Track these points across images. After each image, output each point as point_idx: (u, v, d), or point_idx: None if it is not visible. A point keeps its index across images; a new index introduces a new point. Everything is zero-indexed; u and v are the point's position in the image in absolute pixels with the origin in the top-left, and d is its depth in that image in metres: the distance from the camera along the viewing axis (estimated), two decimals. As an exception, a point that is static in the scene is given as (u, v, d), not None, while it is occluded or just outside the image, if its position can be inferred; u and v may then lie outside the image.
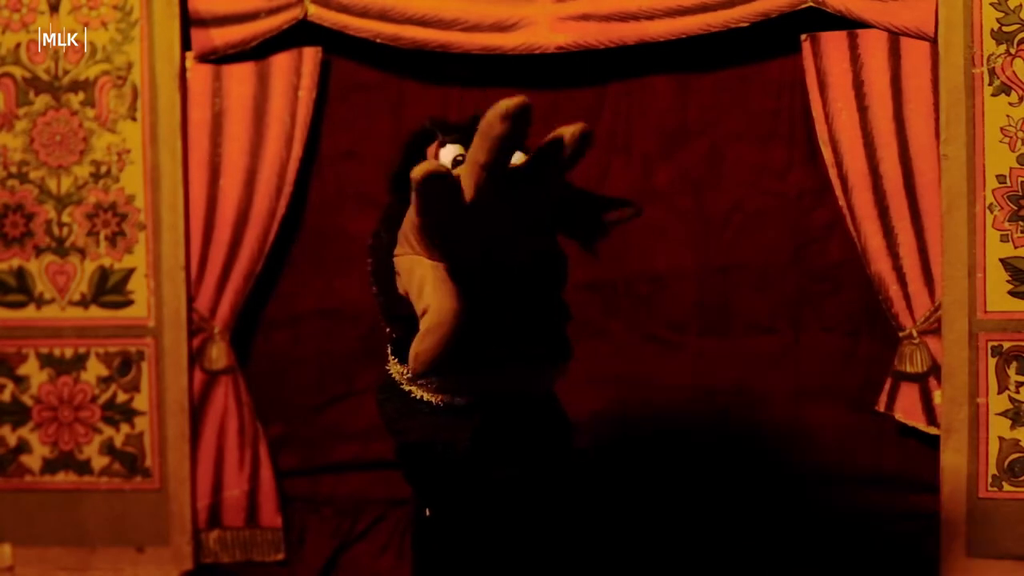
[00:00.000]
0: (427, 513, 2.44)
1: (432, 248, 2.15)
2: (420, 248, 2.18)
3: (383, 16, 3.26)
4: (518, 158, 2.20)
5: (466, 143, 2.23)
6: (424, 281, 2.16)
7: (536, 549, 2.41)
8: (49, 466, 3.45)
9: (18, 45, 3.38)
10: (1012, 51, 3.03)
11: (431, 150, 2.32)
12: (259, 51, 3.33)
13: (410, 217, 2.20)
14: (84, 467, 3.44)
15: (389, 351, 2.41)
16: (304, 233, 3.44)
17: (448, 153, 2.29)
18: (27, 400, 3.45)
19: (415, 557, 2.51)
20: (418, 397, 2.34)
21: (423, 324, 2.13)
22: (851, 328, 3.29)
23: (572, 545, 2.49)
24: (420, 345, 2.12)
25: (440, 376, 2.29)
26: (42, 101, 3.39)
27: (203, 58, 3.35)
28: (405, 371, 2.34)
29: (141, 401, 3.42)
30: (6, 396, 3.45)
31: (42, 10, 3.36)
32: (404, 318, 2.27)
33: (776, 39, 3.19)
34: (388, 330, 2.41)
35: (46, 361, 3.44)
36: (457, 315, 2.10)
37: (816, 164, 3.25)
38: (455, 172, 2.06)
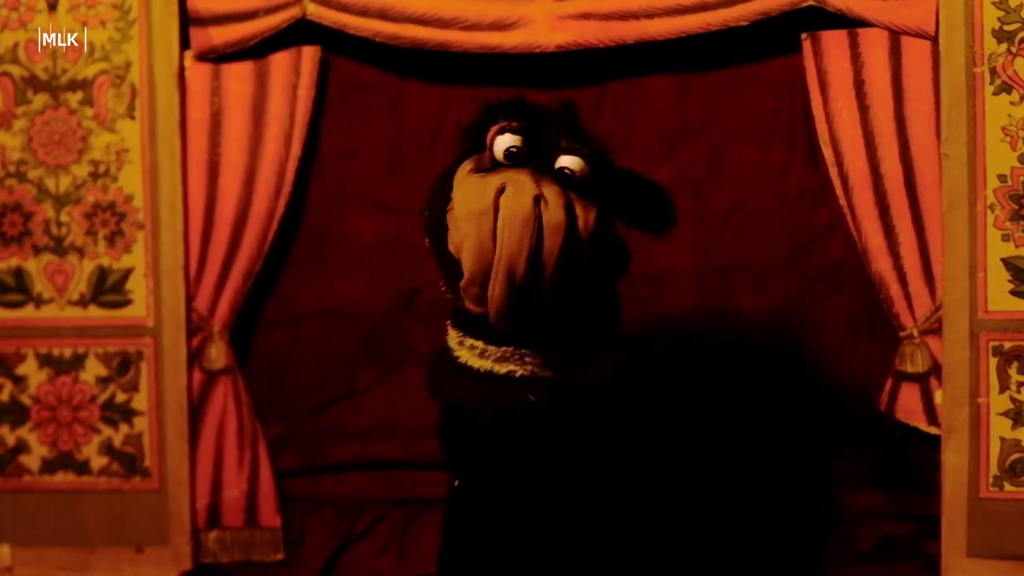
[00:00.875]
0: (455, 483, 2.45)
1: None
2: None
3: (382, 15, 3.25)
4: (572, 161, 2.25)
5: (527, 135, 2.26)
6: (465, 237, 2.19)
7: (557, 531, 2.42)
8: (48, 466, 3.44)
9: (16, 44, 3.37)
10: (1013, 50, 3.02)
11: (491, 131, 2.30)
12: (258, 50, 3.33)
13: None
14: (83, 467, 3.43)
15: (449, 315, 2.46)
16: (304, 233, 3.44)
17: (503, 143, 2.27)
18: (26, 400, 3.44)
19: (444, 525, 2.53)
20: (464, 362, 2.37)
21: (462, 283, 2.21)
22: (851, 328, 3.29)
23: (589, 536, 2.49)
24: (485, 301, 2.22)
25: (485, 341, 2.32)
26: (40, 100, 3.38)
27: (202, 57, 3.34)
28: (459, 336, 2.37)
29: (140, 401, 3.41)
30: (4, 396, 3.45)
31: (40, 9, 3.35)
32: (453, 279, 2.31)
33: (776, 39, 3.18)
34: (443, 289, 2.44)
35: (45, 361, 3.43)
36: (488, 266, 2.16)
37: (816, 164, 3.25)
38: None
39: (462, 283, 2.23)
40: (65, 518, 3.43)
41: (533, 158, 2.27)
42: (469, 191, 2.24)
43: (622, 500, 2.59)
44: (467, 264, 2.21)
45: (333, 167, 3.41)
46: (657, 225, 2.42)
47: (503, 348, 2.31)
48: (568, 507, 2.43)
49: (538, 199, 2.18)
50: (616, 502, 2.56)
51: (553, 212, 2.18)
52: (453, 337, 2.41)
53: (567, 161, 2.26)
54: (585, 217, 2.23)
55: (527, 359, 2.32)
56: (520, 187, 2.19)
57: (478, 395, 2.36)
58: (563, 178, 2.25)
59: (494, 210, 2.17)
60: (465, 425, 2.40)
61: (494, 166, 2.27)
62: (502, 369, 2.33)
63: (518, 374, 2.33)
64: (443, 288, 2.42)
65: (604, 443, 2.49)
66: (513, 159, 2.25)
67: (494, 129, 2.29)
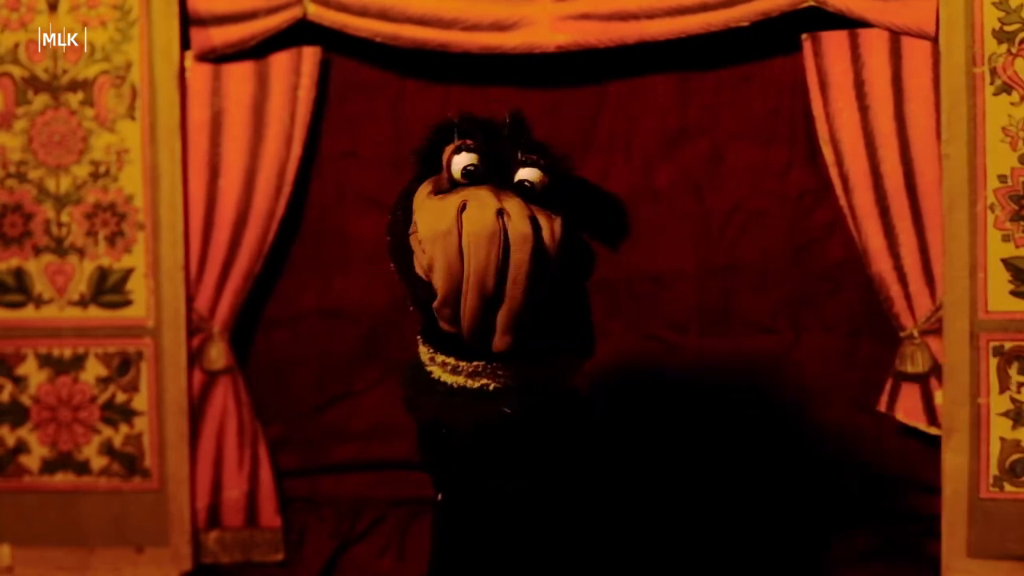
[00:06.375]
0: (439, 497, 2.45)
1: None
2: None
3: (382, 15, 3.25)
4: (530, 173, 2.24)
5: (483, 152, 2.24)
6: (433, 259, 2.17)
7: (541, 541, 2.41)
8: (48, 466, 3.44)
9: (17, 44, 3.37)
10: (1013, 51, 3.02)
11: (447, 151, 2.31)
12: (258, 50, 3.33)
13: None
14: (83, 467, 3.43)
15: (419, 331, 2.44)
16: (304, 233, 3.44)
17: (461, 161, 2.27)
18: (26, 400, 3.44)
19: (431, 540, 2.52)
20: (436, 377, 2.37)
21: (435, 304, 2.19)
22: (852, 328, 3.29)
23: (579, 541, 2.49)
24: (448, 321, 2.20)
25: (457, 358, 2.31)
26: (41, 100, 3.38)
27: (202, 57, 3.34)
28: (430, 352, 2.36)
29: (140, 401, 3.41)
30: (4, 396, 3.45)
31: (41, 9, 3.36)
32: (426, 300, 2.29)
33: (776, 39, 3.18)
34: (412, 309, 2.42)
35: (45, 361, 3.43)
36: (458, 285, 2.16)
37: (816, 164, 3.25)
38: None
39: (435, 304, 2.22)
40: (65, 518, 3.43)
41: (491, 174, 2.26)
42: (431, 214, 2.23)
43: (605, 502, 2.58)
44: (438, 285, 2.19)
45: (333, 167, 3.41)
46: (611, 237, 2.42)
47: (475, 363, 2.30)
48: (550, 513, 2.43)
49: (501, 212, 2.16)
50: (600, 504, 2.56)
51: (517, 224, 2.17)
52: (424, 353, 2.39)
53: (526, 174, 2.25)
54: (550, 227, 2.22)
55: (499, 372, 2.30)
56: (481, 203, 2.18)
57: (453, 411, 2.34)
58: (523, 191, 2.24)
59: (458, 229, 2.16)
60: (443, 441, 2.39)
61: (453, 186, 2.26)
62: (475, 384, 2.32)
63: (491, 387, 2.32)
64: (410, 308, 2.39)
65: (580, 446, 2.49)
66: (471, 177, 2.24)
67: (450, 149, 2.28)
